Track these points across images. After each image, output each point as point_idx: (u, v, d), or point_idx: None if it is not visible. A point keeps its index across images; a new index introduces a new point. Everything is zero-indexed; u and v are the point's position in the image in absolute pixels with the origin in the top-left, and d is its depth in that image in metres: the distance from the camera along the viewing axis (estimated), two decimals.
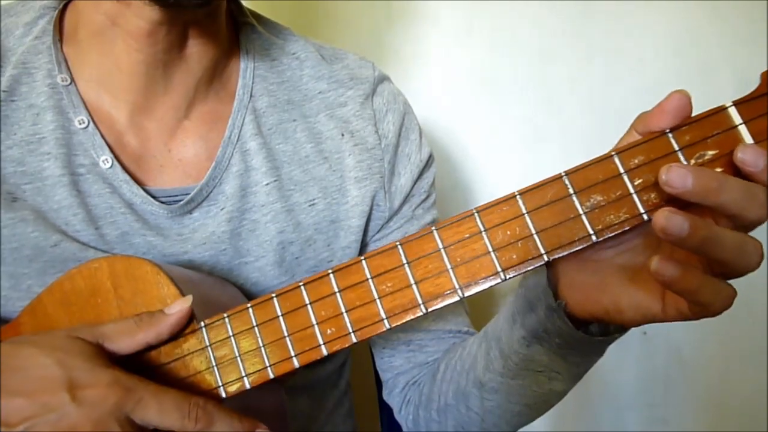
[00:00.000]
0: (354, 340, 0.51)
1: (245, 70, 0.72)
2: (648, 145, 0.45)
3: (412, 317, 0.50)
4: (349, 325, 0.51)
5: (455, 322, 0.77)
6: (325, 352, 0.52)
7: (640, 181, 0.45)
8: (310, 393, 0.78)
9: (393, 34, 1.13)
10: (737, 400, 1.25)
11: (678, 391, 1.25)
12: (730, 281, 0.44)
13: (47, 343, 0.51)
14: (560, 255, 0.47)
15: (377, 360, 0.79)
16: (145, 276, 0.57)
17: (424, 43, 1.13)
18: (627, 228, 0.46)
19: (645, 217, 0.45)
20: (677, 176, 0.42)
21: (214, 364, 0.54)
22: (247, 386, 0.54)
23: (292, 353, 0.52)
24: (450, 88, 1.14)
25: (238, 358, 0.54)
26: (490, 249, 0.48)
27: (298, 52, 0.76)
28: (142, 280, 0.57)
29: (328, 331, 0.52)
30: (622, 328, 0.53)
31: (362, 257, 0.51)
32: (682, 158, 0.44)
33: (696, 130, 0.44)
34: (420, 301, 0.50)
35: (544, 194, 0.47)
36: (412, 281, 0.50)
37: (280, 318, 0.53)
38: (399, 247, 0.50)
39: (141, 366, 0.54)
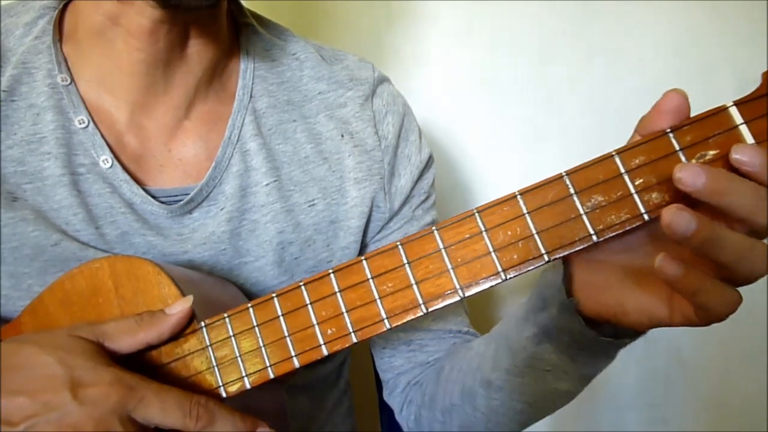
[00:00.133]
0: (354, 340, 0.51)
1: (245, 70, 0.72)
2: (649, 145, 0.45)
3: (413, 317, 0.50)
4: (349, 325, 0.51)
5: (455, 321, 0.77)
6: (325, 352, 0.52)
7: (641, 181, 0.45)
8: (309, 392, 0.78)
9: (393, 34, 1.13)
10: (737, 400, 1.25)
11: (678, 391, 1.25)
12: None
13: (48, 342, 0.51)
14: (561, 255, 0.47)
15: (377, 360, 0.79)
16: (146, 276, 0.57)
17: (424, 43, 1.13)
18: (628, 228, 0.46)
19: (646, 217, 0.45)
20: (690, 174, 0.42)
21: (214, 364, 0.54)
22: (248, 386, 0.54)
23: (293, 353, 0.53)
24: (450, 88, 1.14)
25: (239, 358, 0.54)
26: (491, 249, 0.48)
27: (298, 52, 0.76)
28: (143, 279, 0.57)
29: (329, 331, 0.52)
30: (634, 333, 0.53)
31: (363, 257, 0.51)
32: (683, 158, 0.44)
33: (697, 130, 0.44)
34: (421, 301, 0.50)
35: (545, 194, 0.47)
36: (413, 281, 0.50)
37: (281, 318, 0.53)
38: (400, 247, 0.50)
39: (142, 366, 0.54)
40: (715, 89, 1.15)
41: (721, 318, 0.44)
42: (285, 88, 0.74)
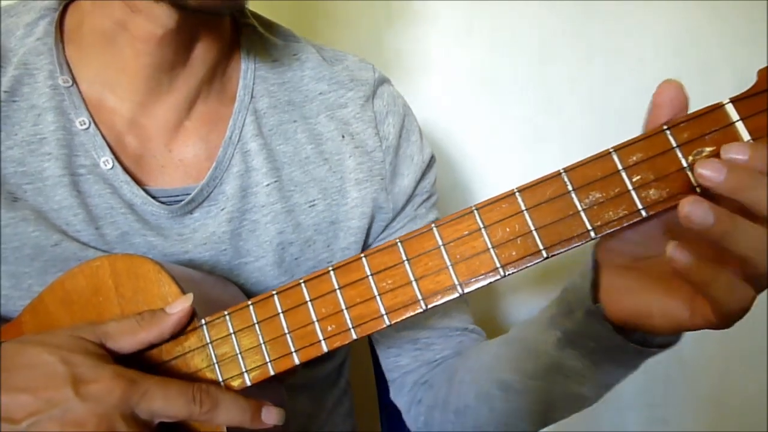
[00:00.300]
0: (354, 336, 0.51)
1: (246, 71, 0.72)
2: (646, 142, 0.45)
3: (412, 314, 0.50)
4: (349, 321, 0.51)
5: (460, 318, 0.77)
6: (325, 348, 0.52)
7: (638, 177, 0.45)
8: (310, 392, 0.78)
9: (393, 34, 1.13)
10: (737, 400, 1.25)
11: (678, 391, 1.25)
12: None
13: (50, 342, 0.51)
14: (559, 252, 0.47)
15: (383, 360, 0.79)
16: (147, 274, 0.57)
17: (424, 43, 1.13)
18: (626, 224, 0.46)
19: (644, 213, 0.45)
20: (712, 170, 0.42)
21: (215, 361, 0.54)
22: (248, 383, 0.54)
23: (293, 349, 0.53)
24: (450, 88, 1.14)
25: (239, 355, 0.54)
26: (490, 246, 0.48)
27: (299, 53, 0.76)
28: (143, 278, 0.57)
29: (329, 328, 0.52)
30: (661, 344, 0.53)
31: (362, 254, 0.51)
32: (679, 155, 0.45)
33: (694, 127, 0.44)
34: (420, 298, 0.50)
35: (543, 191, 0.47)
36: (412, 278, 0.50)
37: (281, 315, 0.53)
38: (399, 244, 0.51)
39: (142, 364, 0.54)
40: (715, 89, 1.15)
41: (734, 314, 0.43)
42: (286, 89, 0.74)
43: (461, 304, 0.78)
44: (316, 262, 0.72)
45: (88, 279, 0.58)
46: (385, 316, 0.51)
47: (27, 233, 0.63)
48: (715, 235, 0.41)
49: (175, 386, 0.50)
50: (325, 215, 0.72)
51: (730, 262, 0.42)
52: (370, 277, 0.51)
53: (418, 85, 1.12)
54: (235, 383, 0.54)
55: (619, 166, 0.46)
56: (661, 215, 0.46)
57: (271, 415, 0.53)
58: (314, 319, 0.52)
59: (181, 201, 0.67)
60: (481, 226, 0.49)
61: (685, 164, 0.45)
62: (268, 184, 0.70)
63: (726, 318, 0.44)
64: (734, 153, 0.42)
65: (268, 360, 0.53)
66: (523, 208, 0.48)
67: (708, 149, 0.44)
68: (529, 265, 0.48)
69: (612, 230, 0.46)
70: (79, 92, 0.67)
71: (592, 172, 0.46)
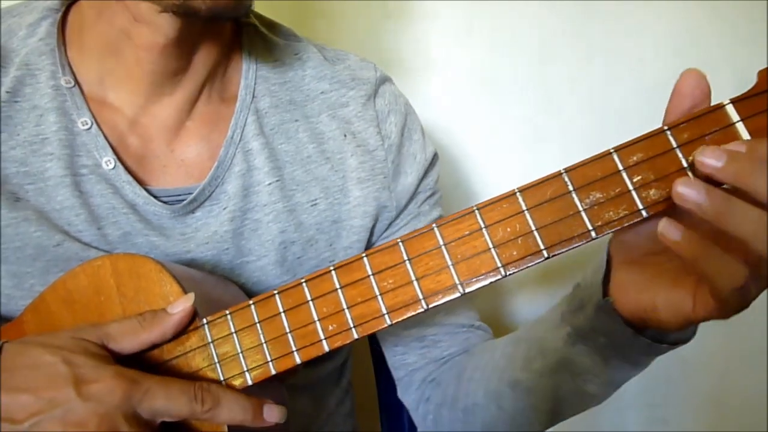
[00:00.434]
0: (355, 335, 0.51)
1: (247, 70, 0.72)
2: (646, 142, 0.46)
3: (413, 313, 0.50)
4: (350, 321, 0.52)
5: (467, 315, 0.77)
6: (326, 347, 0.52)
7: (638, 178, 0.46)
8: (311, 392, 0.79)
9: (393, 34, 1.13)
10: (737, 400, 1.25)
11: (678, 391, 1.25)
12: None
13: (52, 343, 0.51)
14: (560, 252, 0.47)
15: (389, 358, 0.79)
16: (148, 274, 0.57)
17: (424, 43, 1.13)
18: (626, 224, 0.46)
19: (644, 213, 0.46)
20: (711, 156, 0.42)
21: (216, 360, 0.55)
22: (249, 383, 0.54)
23: (294, 348, 0.53)
24: (450, 88, 1.14)
25: (240, 355, 0.54)
26: (491, 245, 0.49)
27: (300, 52, 0.76)
28: (145, 278, 0.57)
29: (330, 327, 0.52)
30: (674, 342, 0.53)
31: (363, 254, 0.52)
32: (680, 155, 0.45)
33: (694, 127, 0.45)
34: (421, 297, 0.50)
35: (544, 191, 0.48)
36: (413, 278, 0.50)
37: (282, 315, 0.53)
38: (400, 244, 0.51)
39: (143, 364, 0.54)
40: (715, 89, 1.15)
41: (731, 297, 0.43)
42: (287, 88, 0.74)
43: (467, 301, 0.78)
44: (318, 261, 0.72)
45: (90, 278, 0.58)
46: (386, 316, 0.51)
47: (29, 233, 0.63)
48: (709, 214, 0.41)
49: (176, 385, 0.51)
50: (327, 214, 0.72)
51: (732, 249, 0.42)
52: (372, 277, 0.51)
53: (418, 85, 1.12)
54: (237, 382, 0.54)
55: (620, 167, 0.46)
56: (661, 215, 0.46)
57: (272, 413, 0.53)
58: (315, 318, 0.53)
59: (183, 201, 0.67)
60: (482, 225, 0.49)
61: (685, 164, 0.45)
62: (269, 183, 0.70)
63: (724, 303, 0.44)
64: (733, 146, 0.43)
65: (269, 359, 0.53)
66: (524, 208, 0.48)
67: None
68: (530, 264, 0.48)
69: (613, 230, 0.46)
70: (81, 93, 0.67)
71: (592, 172, 0.47)
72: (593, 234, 0.46)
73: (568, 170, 0.47)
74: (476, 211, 0.49)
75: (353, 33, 1.13)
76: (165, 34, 0.62)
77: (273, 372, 0.53)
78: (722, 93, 0.46)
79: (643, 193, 0.46)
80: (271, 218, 0.70)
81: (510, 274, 0.48)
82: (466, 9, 1.12)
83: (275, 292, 0.54)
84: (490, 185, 1.17)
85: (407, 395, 0.79)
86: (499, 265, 0.48)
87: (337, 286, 0.52)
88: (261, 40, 0.74)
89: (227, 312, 0.55)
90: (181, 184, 0.69)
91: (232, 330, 0.54)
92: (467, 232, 0.49)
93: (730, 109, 0.44)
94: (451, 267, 0.49)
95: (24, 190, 0.64)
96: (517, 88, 1.15)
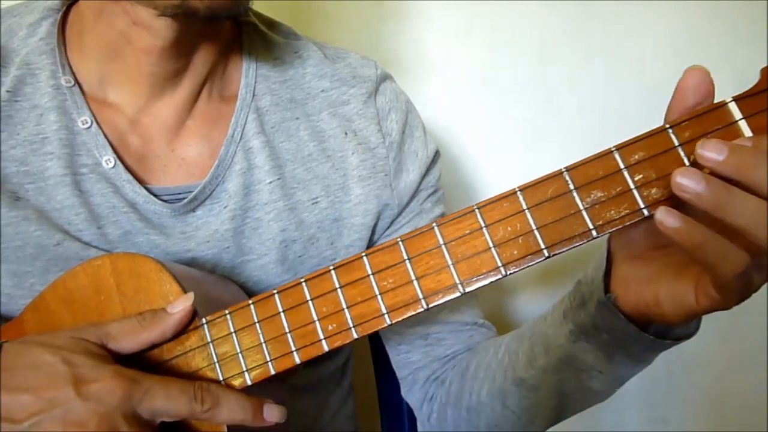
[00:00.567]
0: (355, 335, 0.51)
1: (247, 69, 0.72)
2: (648, 140, 0.45)
3: (413, 313, 0.50)
4: (350, 320, 0.51)
5: (470, 313, 0.77)
6: (326, 347, 0.52)
7: (640, 176, 0.45)
8: (314, 393, 0.78)
9: (393, 34, 1.13)
10: (737, 400, 1.25)
11: (678, 391, 1.25)
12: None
13: (52, 343, 0.51)
14: (561, 251, 0.47)
15: (393, 357, 0.79)
16: (148, 273, 0.57)
17: (424, 43, 1.13)
18: (628, 223, 0.46)
19: (645, 212, 0.45)
20: (712, 148, 0.42)
21: (215, 360, 0.54)
22: (249, 382, 0.54)
23: (293, 348, 0.53)
24: (450, 88, 1.14)
25: (240, 355, 0.54)
26: (491, 245, 0.48)
27: (301, 51, 0.76)
28: (145, 277, 0.57)
29: (329, 327, 0.52)
30: (678, 337, 0.53)
31: (363, 253, 0.51)
32: (682, 154, 0.45)
33: (696, 125, 0.44)
34: (421, 297, 0.50)
35: (545, 190, 0.47)
36: (413, 277, 0.50)
37: (282, 314, 0.53)
38: (400, 243, 0.51)
39: (143, 363, 0.54)
40: (715, 89, 1.15)
41: (733, 284, 0.43)
42: (288, 86, 0.74)
43: (471, 299, 0.78)
44: (319, 259, 0.72)
45: (90, 278, 0.58)
46: (386, 316, 0.51)
47: (29, 232, 0.63)
48: (708, 205, 0.41)
49: (176, 385, 0.51)
50: (328, 212, 0.72)
51: (731, 237, 0.42)
52: (371, 276, 0.51)
53: (418, 85, 1.12)
54: (236, 382, 0.54)
55: (621, 165, 0.46)
56: None
57: (272, 413, 0.53)
58: (315, 318, 0.52)
59: (184, 199, 0.67)
60: (483, 225, 0.49)
61: (687, 163, 0.45)
62: (270, 182, 0.70)
63: (726, 291, 0.44)
64: (738, 142, 0.42)
65: (268, 359, 0.53)
66: (525, 207, 0.48)
67: None
68: (530, 264, 0.48)
69: (614, 230, 0.46)
70: (82, 92, 0.67)
71: (593, 171, 0.46)
72: (594, 233, 0.46)
73: (569, 169, 0.47)
74: (476, 210, 0.49)
75: (353, 33, 1.13)
76: (163, 37, 0.62)
77: (272, 372, 0.53)
78: (722, 93, 0.46)
79: (644, 192, 0.45)
80: (271, 217, 0.69)
81: (510, 274, 0.48)
82: (465, 9, 1.12)
83: (274, 291, 0.54)
84: (490, 185, 1.17)
85: (411, 394, 0.78)
86: (500, 264, 0.48)
87: (337, 285, 0.52)
88: (261, 39, 0.74)
89: (227, 312, 0.55)
90: (181, 183, 0.69)
91: (232, 330, 0.54)
92: (467, 232, 0.49)
93: (733, 107, 0.44)
94: (451, 266, 0.49)
95: (24, 190, 0.64)
96: (517, 88, 1.15)
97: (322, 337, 0.52)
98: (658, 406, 1.25)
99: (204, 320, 0.55)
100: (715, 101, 0.45)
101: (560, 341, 0.59)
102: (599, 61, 1.15)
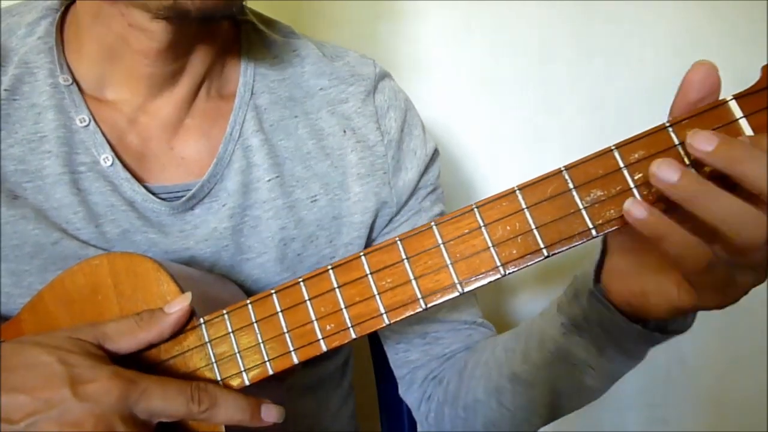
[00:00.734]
0: (353, 335, 0.51)
1: (246, 68, 0.72)
2: (648, 139, 0.45)
3: (412, 313, 0.50)
4: (348, 320, 0.51)
5: (469, 312, 0.77)
6: (324, 347, 0.52)
7: (640, 175, 0.45)
8: (314, 393, 0.78)
9: (392, 34, 1.13)
10: (737, 400, 1.25)
11: (678, 391, 1.25)
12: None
13: (48, 342, 0.51)
14: (560, 250, 0.47)
15: (391, 356, 0.79)
16: (146, 273, 0.57)
17: (424, 43, 1.13)
18: (627, 222, 0.46)
19: None
20: (702, 139, 0.42)
21: (213, 360, 0.54)
22: (247, 382, 0.54)
23: (291, 349, 0.53)
24: (450, 88, 1.14)
25: (238, 354, 0.54)
26: (490, 244, 0.48)
27: (299, 49, 0.76)
28: (142, 277, 0.57)
29: (328, 327, 0.52)
30: (671, 331, 0.54)
31: (361, 253, 0.51)
32: (682, 152, 0.44)
33: (696, 124, 0.44)
34: (419, 296, 0.50)
35: (544, 189, 0.47)
36: (412, 277, 0.50)
37: (280, 314, 0.53)
38: (398, 242, 0.50)
39: (141, 363, 0.54)
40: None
41: (699, 282, 0.44)
42: (286, 85, 0.74)
43: (470, 297, 0.78)
44: (318, 258, 0.72)
45: (88, 277, 0.58)
46: (384, 315, 0.50)
47: (27, 231, 0.63)
48: (680, 197, 0.41)
49: (173, 385, 0.50)
50: (327, 210, 0.72)
51: (714, 240, 0.43)
52: (370, 276, 0.51)
53: (418, 85, 1.12)
54: (234, 382, 0.54)
55: (621, 164, 0.46)
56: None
57: (270, 413, 0.53)
58: (313, 318, 0.52)
59: (182, 197, 0.67)
60: (482, 224, 0.48)
61: (687, 162, 0.44)
62: (269, 180, 0.69)
63: (699, 286, 0.45)
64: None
65: (266, 359, 0.53)
66: (524, 206, 0.48)
67: None
68: (529, 263, 0.48)
69: (613, 229, 0.46)
70: (80, 90, 0.67)
71: (593, 170, 0.46)
72: (594, 232, 0.46)
73: (568, 168, 0.47)
74: (475, 210, 0.49)
75: (352, 33, 1.13)
76: (159, 39, 0.62)
77: (270, 372, 0.53)
78: (722, 93, 0.46)
79: (644, 191, 0.45)
80: (270, 215, 0.69)
81: (509, 273, 0.48)
82: (465, 9, 1.12)
83: (272, 291, 0.54)
84: (489, 185, 1.17)
85: (409, 394, 0.78)
86: (499, 264, 0.48)
87: (335, 285, 0.52)
88: (259, 38, 0.74)
89: (225, 311, 0.55)
90: (180, 181, 0.69)
91: (230, 329, 0.54)
92: (466, 231, 0.49)
93: (733, 105, 0.44)
94: (449, 266, 0.49)
95: (22, 188, 0.64)
96: (517, 88, 1.15)
97: (320, 337, 0.52)
98: (658, 406, 1.25)
99: (202, 320, 0.55)
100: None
101: (553, 334, 0.59)
102: (599, 61, 1.15)
